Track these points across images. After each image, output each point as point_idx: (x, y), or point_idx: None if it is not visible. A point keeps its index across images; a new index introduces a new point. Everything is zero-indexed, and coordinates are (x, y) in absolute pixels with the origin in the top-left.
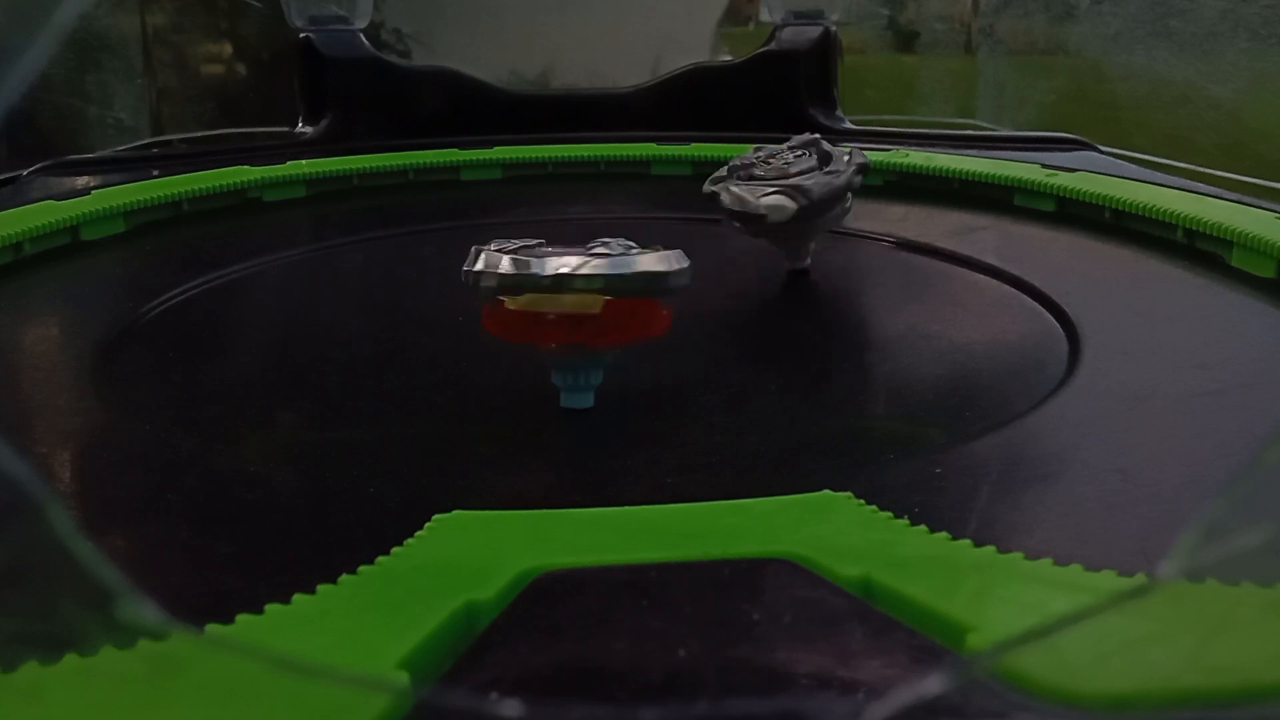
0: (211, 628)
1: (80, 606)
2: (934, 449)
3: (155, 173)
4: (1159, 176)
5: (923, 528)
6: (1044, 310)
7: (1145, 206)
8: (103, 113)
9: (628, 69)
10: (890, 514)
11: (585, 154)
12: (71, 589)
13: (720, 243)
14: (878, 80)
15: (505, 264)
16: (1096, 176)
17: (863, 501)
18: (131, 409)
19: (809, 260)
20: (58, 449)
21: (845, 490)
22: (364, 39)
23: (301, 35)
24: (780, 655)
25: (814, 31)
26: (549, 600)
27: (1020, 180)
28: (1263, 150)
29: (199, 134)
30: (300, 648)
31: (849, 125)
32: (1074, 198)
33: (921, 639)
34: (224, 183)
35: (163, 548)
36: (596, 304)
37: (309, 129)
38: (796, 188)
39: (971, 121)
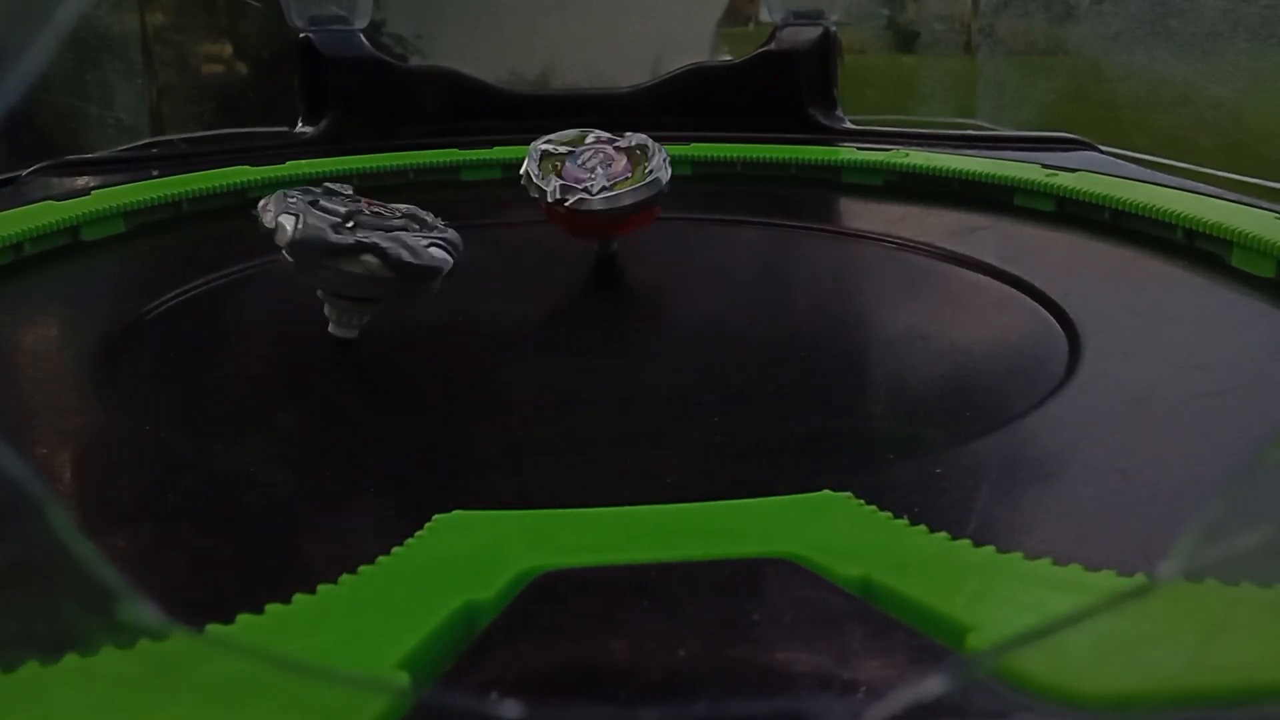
0: (211, 628)
1: (80, 607)
2: (934, 449)
3: (155, 173)
4: (1159, 176)
5: (923, 528)
6: (1044, 310)
7: (1145, 206)
8: (103, 112)
9: (628, 69)
10: (890, 514)
11: None
12: (71, 589)
13: (719, 244)
14: (878, 80)
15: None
16: (1096, 176)
17: (863, 501)
18: (131, 409)
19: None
20: (58, 449)
21: (845, 490)
22: (364, 39)
23: (301, 35)
24: (780, 655)
25: (814, 31)
26: (549, 600)
27: (1020, 180)
28: (1263, 150)
29: (199, 134)
30: (300, 648)
31: (849, 125)
32: (1074, 198)
33: (921, 639)
34: (224, 183)
35: (163, 548)
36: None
37: (309, 129)
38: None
39: (971, 121)
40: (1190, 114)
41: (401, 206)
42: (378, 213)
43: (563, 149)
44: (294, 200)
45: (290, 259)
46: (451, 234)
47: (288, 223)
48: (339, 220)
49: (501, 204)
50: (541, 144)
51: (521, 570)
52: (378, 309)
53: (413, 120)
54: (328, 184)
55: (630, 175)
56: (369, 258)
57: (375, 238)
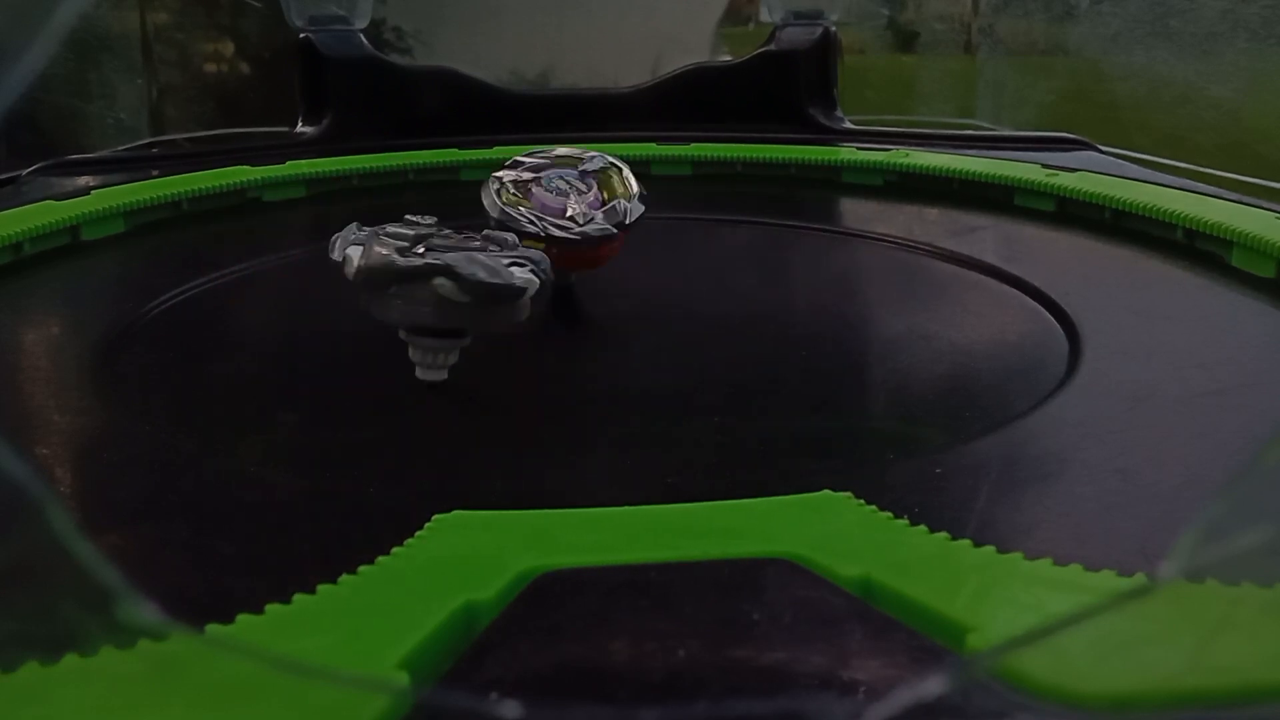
0: (211, 628)
1: (80, 607)
2: (934, 449)
3: (155, 173)
4: (1159, 176)
5: (923, 528)
6: (1044, 310)
7: (1145, 206)
8: (103, 112)
9: (628, 69)
10: (890, 514)
11: None
12: (71, 589)
13: (719, 244)
14: (878, 80)
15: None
16: (1096, 176)
17: (863, 501)
18: (131, 409)
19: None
20: (58, 449)
21: (845, 490)
22: (364, 39)
23: (301, 35)
24: (780, 655)
25: (814, 31)
26: (549, 600)
27: (1020, 180)
28: (1263, 150)
29: (199, 133)
30: (300, 648)
31: (849, 125)
32: (1074, 198)
33: (921, 639)
34: (224, 183)
35: (163, 548)
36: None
37: (309, 129)
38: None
39: (971, 121)
40: (1190, 114)
41: (490, 233)
42: (448, 236)
43: (526, 175)
44: (362, 233)
45: (363, 293)
46: (535, 254)
47: (354, 253)
48: (405, 244)
49: None
50: (502, 173)
51: (521, 570)
52: (466, 346)
53: (413, 120)
54: (408, 216)
55: (604, 201)
56: (441, 280)
57: (447, 258)
